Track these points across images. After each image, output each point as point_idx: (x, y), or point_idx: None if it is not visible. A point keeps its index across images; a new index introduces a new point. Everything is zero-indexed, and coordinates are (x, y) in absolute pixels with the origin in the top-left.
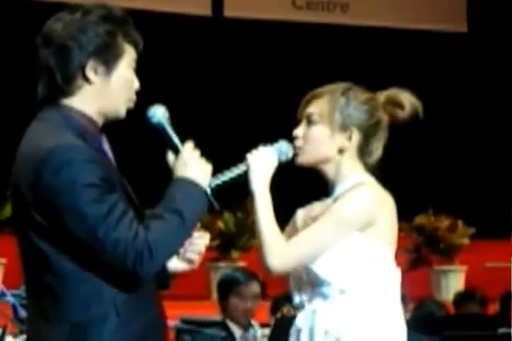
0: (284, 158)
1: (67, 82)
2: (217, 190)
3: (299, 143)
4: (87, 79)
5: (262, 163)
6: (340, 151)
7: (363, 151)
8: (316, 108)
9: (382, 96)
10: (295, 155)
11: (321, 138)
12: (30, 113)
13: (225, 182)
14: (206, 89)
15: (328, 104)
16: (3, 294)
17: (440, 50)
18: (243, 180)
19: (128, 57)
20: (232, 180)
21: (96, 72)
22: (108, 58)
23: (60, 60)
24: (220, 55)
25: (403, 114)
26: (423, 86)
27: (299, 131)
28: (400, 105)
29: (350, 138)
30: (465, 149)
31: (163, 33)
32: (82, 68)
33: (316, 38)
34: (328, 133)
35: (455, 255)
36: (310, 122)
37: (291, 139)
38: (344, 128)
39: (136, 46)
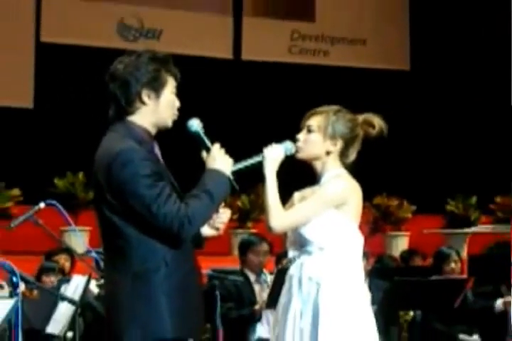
0: (288, 153)
1: (129, 105)
2: (240, 173)
3: (300, 144)
4: (143, 102)
5: (273, 155)
6: (327, 153)
7: (343, 154)
8: (315, 121)
9: (361, 117)
10: (296, 152)
11: (316, 142)
12: (106, 127)
13: (246, 167)
14: (230, 112)
15: (324, 120)
16: (89, 251)
17: (387, 85)
18: (258, 167)
19: (170, 85)
20: (250, 166)
21: (149, 97)
22: (156, 87)
23: (123, 91)
24: (239, 89)
25: (373, 132)
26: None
27: (301, 136)
28: (372, 125)
29: (335, 145)
30: (411, 151)
31: (194, 73)
32: (139, 95)
33: (306, 76)
34: (321, 140)
35: (402, 225)
36: (309, 131)
37: (293, 140)
38: (332, 137)
39: (175, 77)
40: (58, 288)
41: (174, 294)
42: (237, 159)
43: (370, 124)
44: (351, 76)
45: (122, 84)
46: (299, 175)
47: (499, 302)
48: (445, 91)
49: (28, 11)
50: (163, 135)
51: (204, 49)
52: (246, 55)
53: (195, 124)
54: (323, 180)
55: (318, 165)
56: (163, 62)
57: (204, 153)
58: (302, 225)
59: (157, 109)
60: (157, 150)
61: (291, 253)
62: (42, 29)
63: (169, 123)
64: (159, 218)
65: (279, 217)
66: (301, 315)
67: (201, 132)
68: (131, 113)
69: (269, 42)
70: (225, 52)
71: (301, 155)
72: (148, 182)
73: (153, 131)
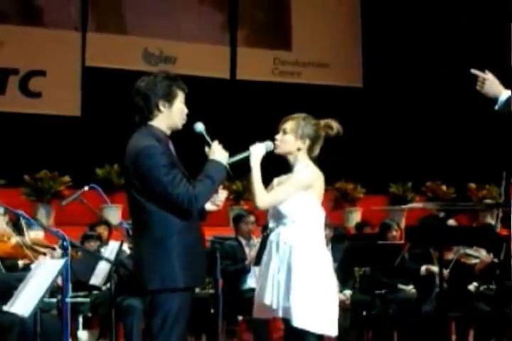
0: (268, 150)
1: (150, 113)
2: (233, 165)
3: (277, 142)
4: (160, 111)
5: (257, 151)
6: (298, 149)
7: (310, 150)
8: (288, 125)
9: (323, 122)
10: (275, 148)
11: (289, 141)
12: (133, 129)
13: (238, 160)
14: (227, 118)
15: (295, 124)
16: (122, 223)
17: (345, 98)
18: (246, 160)
19: (180, 97)
20: (241, 159)
21: (164, 106)
22: (170, 99)
23: (145, 102)
24: (234, 101)
25: (332, 133)
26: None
27: (278, 137)
28: (331, 128)
29: (304, 143)
30: (363, 147)
31: (200, 89)
32: (157, 105)
33: (285, 92)
34: (293, 139)
35: (356, 203)
36: (284, 132)
37: (273, 140)
38: (302, 137)
39: (183, 91)
40: (99, 250)
41: (184, 254)
42: (231, 153)
43: (329, 127)
44: (318, 91)
45: (144, 98)
46: (277, 166)
47: (423, 268)
48: (390, 103)
49: (76, 43)
50: (176, 135)
51: (208, 71)
52: (240, 76)
53: (199, 126)
54: (295, 169)
55: (291, 158)
56: (174, 80)
57: (206, 148)
58: (280, 203)
59: (171, 115)
60: (171, 147)
61: (271, 224)
62: (86, 56)
63: (180, 125)
64: (173, 197)
65: (263, 198)
66: (278, 270)
67: (204, 132)
68: (151, 119)
69: (257, 66)
70: (224, 74)
71: (278, 151)
72: (165, 170)
73: (168, 132)
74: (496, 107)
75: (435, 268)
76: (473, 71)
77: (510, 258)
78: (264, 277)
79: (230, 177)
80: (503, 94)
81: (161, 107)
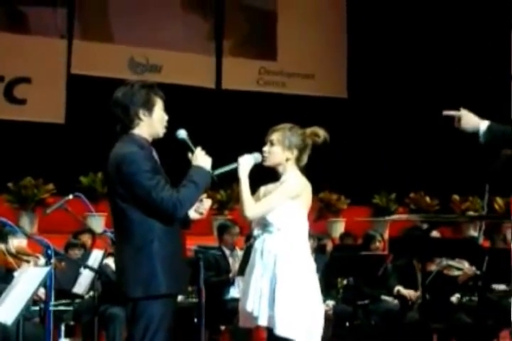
0: (256, 161)
1: (130, 122)
2: (221, 176)
3: (265, 154)
4: (140, 119)
5: (245, 163)
6: (287, 160)
7: (298, 160)
8: (275, 136)
9: (309, 130)
10: (263, 160)
11: (277, 153)
12: (116, 139)
13: (226, 171)
14: (213, 128)
15: (282, 135)
16: (105, 231)
17: (330, 109)
18: (234, 171)
19: (159, 104)
20: (229, 171)
21: (144, 115)
22: (149, 107)
23: (124, 113)
24: (220, 111)
25: (319, 140)
26: None
27: (266, 149)
28: (318, 136)
29: (292, 153)
30: (348, 158)
31: (186, 98)
32: (137, 114)
33: (270, 102)
34: (281, 151)
35: (340, 213)
36: (272, 144)
37: (258, 150)
38: (289, 148)
39: (162, 98)
40: (82, 259)
41: (166, 261)
42: (217, 163)
43: (316, 135)
44: (303, 102)
45: (123, 108)
46: (265, 176)
47: (395, 289)
48: (374, 114)
49: (62, 51)
50: (159, 143)
51: (193, 80)
52: (225, 85)
53: (181, 133)
54: (283, 179)
55: (280, 168)
56: (151, 88)
57: (189, 154)
58: (268, 213)
59: (151, 123)
60: (154, 153)
61: (255, 232)
62: (72, 64)
63: (161, 133)
64: (157, 202)
65: (252, 208)
66: (262, 276)
67: (187, 139)
68: (133, 128)
69: (242, 75)
70: (209, 83)
71: (267, 164)
72: (148, 176)
73: (150, 139)
74: (481, 139)
75: (406, 292)
76: (446, 113)
77: (492, 270)
78: (247, 284)
79: (215, 183)
80: (482, 126)
81: (142, 116)
